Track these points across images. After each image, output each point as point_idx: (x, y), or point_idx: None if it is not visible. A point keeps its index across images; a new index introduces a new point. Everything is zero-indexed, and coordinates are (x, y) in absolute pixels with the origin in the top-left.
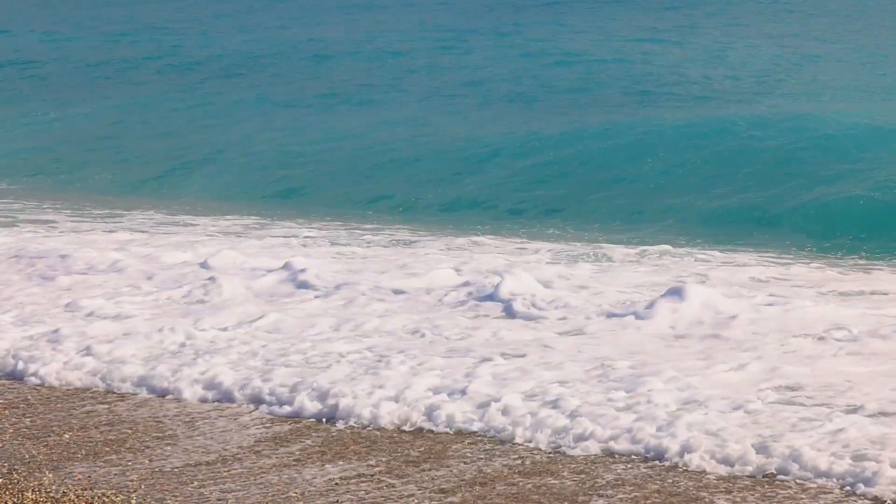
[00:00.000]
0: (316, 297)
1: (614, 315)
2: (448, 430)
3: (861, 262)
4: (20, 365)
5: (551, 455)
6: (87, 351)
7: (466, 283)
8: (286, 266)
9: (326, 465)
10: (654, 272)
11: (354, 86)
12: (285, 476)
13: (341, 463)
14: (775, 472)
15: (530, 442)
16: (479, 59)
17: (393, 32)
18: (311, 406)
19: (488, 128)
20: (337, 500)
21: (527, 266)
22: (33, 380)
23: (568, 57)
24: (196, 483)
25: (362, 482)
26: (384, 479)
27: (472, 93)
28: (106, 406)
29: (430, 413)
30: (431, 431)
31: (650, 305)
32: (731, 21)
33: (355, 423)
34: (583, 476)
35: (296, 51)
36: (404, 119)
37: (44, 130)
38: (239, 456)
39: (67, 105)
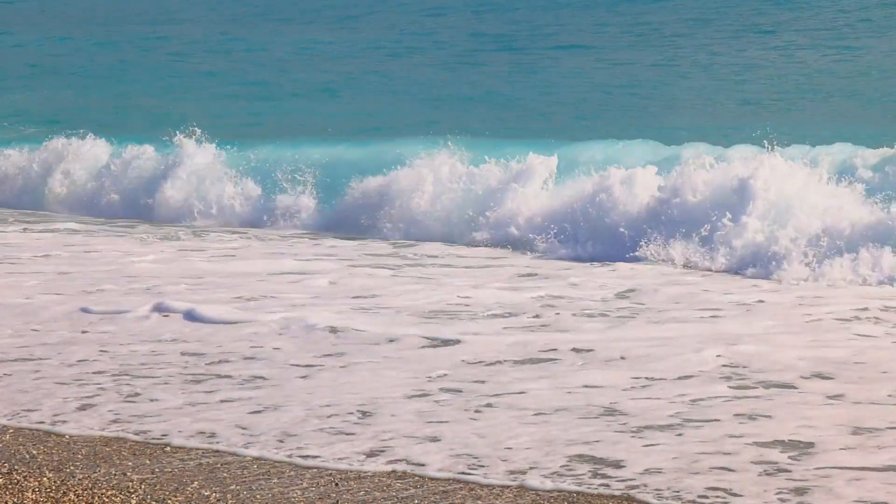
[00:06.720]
0: None
1: None
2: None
3: None
4: None
5: None
6: None
7: None
8: None
9: (325, 466)
10: None
11: None
12: (285, 476)
13: (339, 465)
14: None
15: None
16: None
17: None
18: None
19: None
20: (337, 501)
21: None
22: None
23: None
24: (196, 484)
25: (363, 482)
26: (384, 479)
27: None
28: None
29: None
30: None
31: None
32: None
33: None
34: None
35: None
36: None
37: None
38: (239, 456)
39: None
